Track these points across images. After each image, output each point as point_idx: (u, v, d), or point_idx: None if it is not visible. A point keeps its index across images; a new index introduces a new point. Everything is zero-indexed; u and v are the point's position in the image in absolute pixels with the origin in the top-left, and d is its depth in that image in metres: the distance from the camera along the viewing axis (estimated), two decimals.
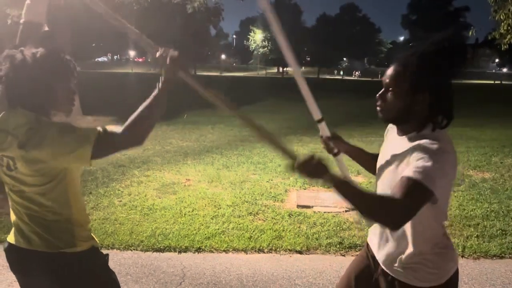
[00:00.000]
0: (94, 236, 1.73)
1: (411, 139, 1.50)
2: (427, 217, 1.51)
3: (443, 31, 1.49)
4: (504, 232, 4.25)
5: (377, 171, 1.72)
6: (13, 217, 1.69)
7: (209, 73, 53.92)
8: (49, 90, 1.55)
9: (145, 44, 1.67)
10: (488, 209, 4.89)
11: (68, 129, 1.50)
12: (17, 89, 1.52)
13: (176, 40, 44.31)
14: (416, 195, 1.32)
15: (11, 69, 1.50)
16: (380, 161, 1.70)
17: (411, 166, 1.38)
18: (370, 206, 1.35)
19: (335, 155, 2.09)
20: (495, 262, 3.71)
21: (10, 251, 1.70)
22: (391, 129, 1.73)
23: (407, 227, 1.55)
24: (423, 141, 1.43)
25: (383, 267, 1.68)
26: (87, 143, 1.48)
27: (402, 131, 1.57)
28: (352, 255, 3.74)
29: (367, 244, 1.86)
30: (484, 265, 3.63)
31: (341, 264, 3.55)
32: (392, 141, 1.63)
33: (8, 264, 1.59)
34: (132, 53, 72.69)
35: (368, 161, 1.97)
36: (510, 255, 3.80)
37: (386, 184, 1.56)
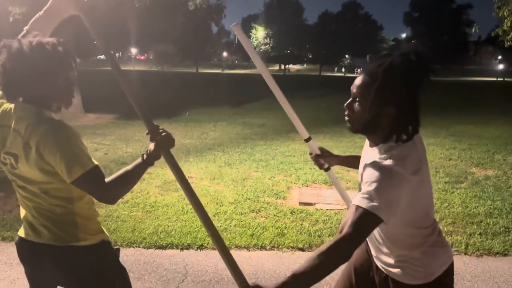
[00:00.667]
0: (104, 230, 1.73)
1: (378, 151, 1.49)
2: (401, 231, 1.53)
3: (410, 43, 1.48)
4: (507, 230, 4.23)
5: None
6: (22, 211, 1.70)
7: (211, 71, 53.92)
8: (47, 79, 1.52)
9: (142, 114, 1.63)
10: (491, 206, 4.87)
11: (71, 140, 1.49)
12: (15, 79, 1.49)
13: (178, 37, 44.32)
14: (363, 224, 1.31)
15: (8, 59, 1.47)
16: (359, 171, 1.69)
17: (361, 192, 1.38)
18: (324, 265, 1.28)
19: (326, 170, 2.14)
20: (498, 259, 3.70)
21: (21, 244, 1.71)
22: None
23: (388, 237, 1.58)
24: (376, 159, 1.43)
25: (377, 264, 1.71)
26: (77, 170, 1.47)
27: (371, 142, 1.57)
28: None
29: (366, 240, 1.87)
30: (487, 262, 3.62)
31: None
32: (365, 152, 1.62)
33: (11, 261, 1.60)
34: (134, 50, 72.69)
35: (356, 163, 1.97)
36: None
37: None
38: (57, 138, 1.46)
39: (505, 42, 8.59)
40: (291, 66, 69.09)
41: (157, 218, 4.31)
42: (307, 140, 2.05)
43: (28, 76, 1.48)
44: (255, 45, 62.61)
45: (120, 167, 6.18)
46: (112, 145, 8.04)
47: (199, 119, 11.81)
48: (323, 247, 1.29)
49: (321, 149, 2.12)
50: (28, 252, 1.70)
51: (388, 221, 1.32)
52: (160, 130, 1.61)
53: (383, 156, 1.43)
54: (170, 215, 4.40)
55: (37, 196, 1.58)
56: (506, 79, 46.91)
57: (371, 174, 1.38)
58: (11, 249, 3.60)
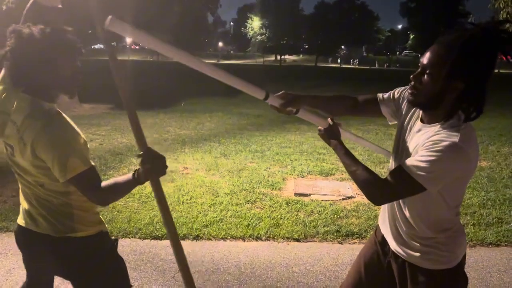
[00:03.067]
0: (103, 221, 1.73)
1: (440, 127, 1.46)
2: (436, 207, 1.53)
3: (491, 19, 1.46)
4: (500, 220, 4.28)
5: (393, 152, 1.72)
6: (22, 199, 1.70)
7: (206, 61, 53.59)
8: (56, 67, 1.50)
9: (138, 137, 1.49)
10: (485, 197, 4.92)
11: (66, 139, 1.47)
12: (23, 65, 1.47)
13: (173, 27, 43.93)
14: (404, 186, 1.44)
15: (17, 45, 1.45)
16: (397, 143, 1.68)
17: (414, 156, 1.42)
18: (360, 175, 1.55)
19: (296, 113, 1.88)
20: (491, 249, 3.75)
21: (19, 232, 1.73)
22: (414, 113, 1.65)
23: (419, 213, 1.56)
24: (439, 134, 1.42)
25: (394, 250, 1.69)
26: (69, 171, 1.46)
27: (427, 118, 1.52)
28: (349, 243, 3.76)
29: (376, 231, 1.88)
30: (480, 252, 3.67)
31: (338, 252, 3.58)
32: (417, 130, 1.57)
33: (6, 251, 1.60)
34: (129, 40, 72.09)
35: (330, 103, 1.89)
36: (506, 243, 3.84)
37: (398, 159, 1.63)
38: (51, 137, 1.44)
39: None
40: (287, 56, 68.79)
41: (153, 208, 4.32)
42: (266, 99, 1.81)
43: (37, 63, 1.46)
44: (250, 36, 62.23)
45: (115, 158, 6.19)
46: (107, 136, 8.01)
47: (194, 110, 11.77)
48: (373, 177, 1.52)
49: (283, 95, 1.84)
50: (26, 241, 1.70)
51: (433, 191, 1.43)
52: (153, 157, 1.43)
53: (449, 131, 1.40)
54: None
55: (34, 186, 1.58)
56: (501, 71, 47.02)
57: (435, 144, 1.38)
58: (6, 239, 3.60)
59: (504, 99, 16.30)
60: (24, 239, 1.71)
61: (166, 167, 1.46)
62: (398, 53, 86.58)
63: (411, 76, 1.50)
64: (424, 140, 1.45)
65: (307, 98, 1.84)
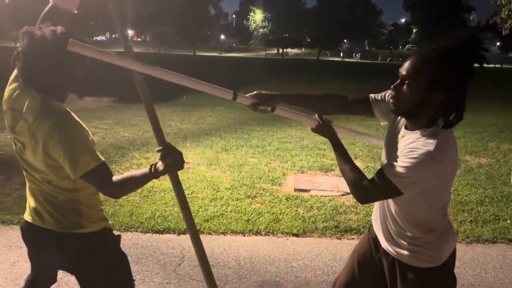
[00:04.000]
0: (106, 217, 1.78)
1: (420, 134, 1.51)
2: (419, 209, 1.58)
3: (467, 28, 1.51)
4: (497, 217, 4.33)
5: (383, 152, 1.78)
6: (28, 195, 1.76)
7: (209, 54, 53.47)
8: (67, 68, 1.55)
9: (157, 133, 1.66)
10: (483, 194, 4.96)
11: (77, 137, 1.52)
12: (35, 66, 1.51)
13: (175, 20, 43.77)
14: (383, 188, 1.52)
15: (30, 46, 1.49)
16: (387, 144, 1.75)
17: (396, 163, 1.48)
18: (348, 175, 1.64)
19: (272, 111, 1.87)
20: (487, 246, 3.80)
21: (26, 228, 1.78)
22: (401, 119, 1.71)
23: (405, 215, 1.62)
24: (417, 142, 1.48)
25: (384, 248, 1.75)
26: (81, 168, 1.51)
27: (411, 126, 1.58)
28: (348, 239, 3.82)
29: (369, 228, 1.94)
30: (476, 249, 3.72)
31: (337, 247, 3.64)
32: (401, 136, 1.63)
33: (10, 244, 1.65)
34: (130, 32, 71.87)
35: (319, 101, 1.93)
36: (502, 240, 3.89)
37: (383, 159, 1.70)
38: (62, 135, 1.49)
39: (503, 30, 8.57)
40: (289, 50, 68.51)
41: (154, 203, 4.38)
42: (235, 98, 1.78)
43: (49, 64, 1.51)
44: (253, 28, 61.97)
45: (117, 152, 6.25)
46: (110, 129, 8.06)
47: (196, 104, 11.81)
48: (359, 177, 1.60)
49: (257, 95, 1.82)
50: (32, 236, 1.76)
51: (408, 196, 1.51)
52: (172, 151, 1.59)
53: (427, 139, 1.46)
54: (167, 200, 4.46)
55: (41, 183, 1.63)
56: (503, 66, 46.79)
57: (411, 151, 1.45)
58: (10, 232, 3.67)
59: (505, 95, 16.29)
60: (30, 234, 1.77)
61: (184, 161, 1.60)
62: (400, 47, 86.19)
63: (391, 86, 1.55)
64: (405, 146, 1.51)
65: (285, 97, 1.85)
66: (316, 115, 1.83)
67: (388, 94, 1.79)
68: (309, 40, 70.39)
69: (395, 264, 1.71)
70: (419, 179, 1.46)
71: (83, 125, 1.60)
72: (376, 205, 1.83)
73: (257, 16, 60.92)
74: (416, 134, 1.53)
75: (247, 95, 1.83)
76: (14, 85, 1.64)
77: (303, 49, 77.08)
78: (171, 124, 8.81)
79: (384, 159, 1.73)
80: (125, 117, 9.40)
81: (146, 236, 3.72)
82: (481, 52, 1.44)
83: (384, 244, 1.75)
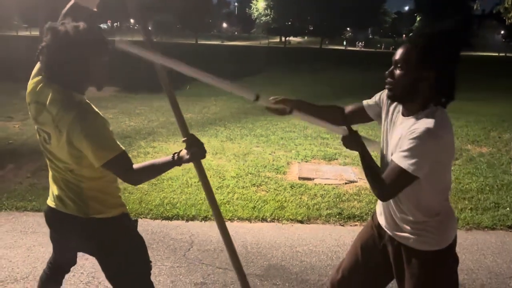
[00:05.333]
0: (124, 203, 1.89)
1: (416, 117, 1.62)
2: (425, 193, 1.67)
3: (449, 20, 1.64)
4: (497, 205, 4.43)
5: (381, 149, 1.86)
6: (51, 182, 1.86)
7: (210, 42, 53.31)
8: (88, 62, 1.64)
9: (181, 124, 1.75)
10: (483, 183, 5.06)
11: (99, 128, 1.62)
12: (58, 60, 1.60)
13: (177, 9, 43.56)
14: (399, 180, 1.59)
15: (53, 41, 1.58)
16: (384, 140, 1.83)
17: (400, 150, 1.58)
18: (371, 179, 1.70)
19: (290, 113, 1.92)
20: (487, 233, 3.91)
21: (49, 213, 1.89)
22: (395, 109, 1.81)
23: (410, 200, 1.71)
24: (417, 123, 1.58)
25: (389, 233, 1.83)
26: (104, 156, 1.61)
27: (407, 111, 1.68)
28: (351, 225, 3.94)
29: (373, 215, 2.02)
30: (476, 236, 3.83)
31: (340, 233, 3.76)
32: (399, 123, 1.72)
33: (26, 230, 1.73)
34: (132, 20, 71.52)
35: (322, 114, 1.97)
36: (502, 227, 4.00)
37: (386, 157, 1.76)
38: (85, 126, 1.59)
39: (506, 20, 8.61)
40: (292, 38, 68.18)
41: (163, 190, 4.50)
42: (257, 100, 1.80)
43: (71, 58, 1.60)
44: (255, 17, 61.62)
45: (124, 141, 6.36)
46: (115, 119, 8.16)
47: (200, 93, 11.86)
48: (378, 179, 1.66)
49: (273, 99, 1.92)
50: (56, 221, 1.87)
51: (421, 176, 1.57)
52: (197, 142, 1.71)
53: (425, 119, 1.57)
54: (175, 187, 4.58)
55: (64, 171, 1.74)
56: (507, 54, 46.53)
57: (413, 133, 1.55)
58: (24, 218, 3.80)
59: (509, 84, 16.27)
60: (54, 219, 1.88)
61: (206, 151, 1.72)
62: (404, 35, 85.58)
63: (386, 72, 1.67)
64: (405, 130, 1.61)
65: (304, 104, 1.97)
66: (345, 127, 1.85)
67: (378, 95, 1.94)
68: (311, 28, 69.96)
69: (400, 249, 1.79)
70: (425, 156, 1.55)
71: (102, 116, 1.70)
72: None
73: (260, 4, 60.50)
74: (414, 118, 1.64)
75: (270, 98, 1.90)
76: (37, 78, 1.74)
77: (306, 37, 76.62)
78: None
79: (387, 153, 1.79)
80: (129, 107, 9.49)
81: (155, 223, 3.84)
82: (464, 37, 1.57)
83: (388, 230, 1.83)
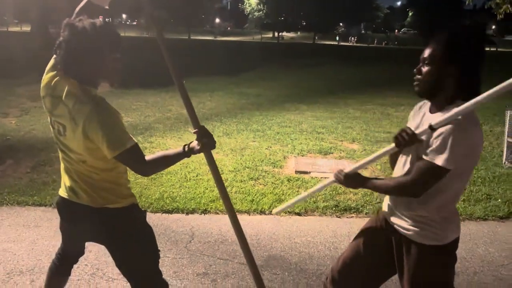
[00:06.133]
0: (133, 194, 1.96)
1: (441, 114, 1.67)
2: (444, 191, 1.71)
3: (470, 21, 1.73)
4: (489, 197, 4.55)
5: (412, 153, 1.83)
6: (63, 174, 1.92)
7: (203, 38, 53.10)
8: (103, 57, 1.70)
9: (192, 116, 1.85)
10: (476, 175, 5.18)
11: (113, 121, 1.68)
12: (75, 55, 1.66)
13: (169, 3, 43.27)
14: (431, 175, 1.64)
15: (71, 36, 1.64)
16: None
17: (431, 146, 1.63)
18: (397, 191, 1.76)
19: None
20: (479, 223, 4.03)
21: (62, 203, 1.95)
22: (421, 108, 1.88)
23: (426, 197, 1.73)
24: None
25: (395, 227, 1.88)
26: (117, 148, 1.67)
27: (434, 107, 1.75)
28: (347, 217, 4.03)
29: (378, 211, 2.08)
30: (469, 226, 3.95)
31: (337, 225, 3.85)
32: (425, 120, 1.77)
33: (28, 224, 1.77)
34: (124, 15, 71.02)
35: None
36: (493, 218, 4.12)
37: (411, 157, 1.78)
38: (101, 118, 1.65)
39: (498, 15, 8.73)
40: (285, 34, 68.09)
41: (162, 185, 4.56)
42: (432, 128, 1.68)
43: (88, 53, 1.66)
44: (248, 12, 61.44)
45: None
46: None
47: (195, 89, 11.89)
48: (399, 182, 1.73)
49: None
50: (68, 211, 1.93)
51: (452, 168, 1.61)
52: (207, 133, 1.79)
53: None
54: (174, 182, 4.64)
55: (77, 163, 1.80)
56: (499, 49, 46.93)
57: (442, 128, 1.60)
58: (26, 213, 3.85)
59: (500, 78, 16.44)
60: (66, 209, 1.94)
61: (215, 142, 1.81)
62: (396, 30, 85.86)
63: (414, 70, 1.76)
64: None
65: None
66: (333, 176, 1.93)
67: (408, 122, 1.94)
68: (304, 24, 69.94)
69: (402, 241, 1.85)
70: (456, 149, 1.59)
71: (116, 110, 1.76)
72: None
73: None
74: (441, 113, 1.68)
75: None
76: (52, 73, 1.79)
77: (298, 32, 76.59)
78: (171, 109, 8.93)
79: (411, 151, 1.79)
80: (125, 102, 9.50)
81: (156, 216, 3.90)
82: (488, 35, 1.67)
83: (392, 221, 1.88)
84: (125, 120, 7.75)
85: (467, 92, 1.66)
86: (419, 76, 1.74)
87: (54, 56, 1.77)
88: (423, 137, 1.69)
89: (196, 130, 1.80)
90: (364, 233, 2.07)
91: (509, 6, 8.17)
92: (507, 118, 5.74)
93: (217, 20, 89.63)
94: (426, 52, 1.71)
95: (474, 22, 1.70)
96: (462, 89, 1.68)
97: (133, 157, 1.73)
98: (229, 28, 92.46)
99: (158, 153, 1.86)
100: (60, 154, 1.86)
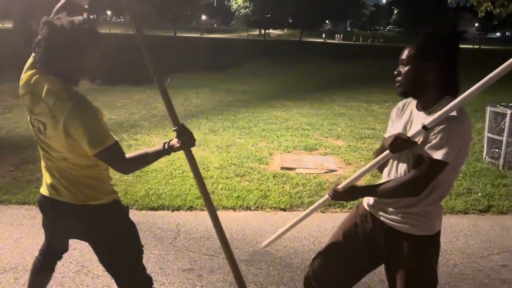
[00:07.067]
0: (115, 190, 1.97)
1: (432, 113, 1.70)
2: (442, 184, 1.75)
3: (439, 22, 1.77)
4: (469, 191, 4.66)
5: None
6: (44, 172, 1.91)
7: (189, 34, 52.81)
8: (83, 55, 1.71)
9: (172, 114, 1.86)
10: None
11: (94, 119, 1.69)
12: (55, 53, 1.66)
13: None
14: (433, 170, 1.68)
15: (50, 34, 1.64)
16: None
17: (430, 143, 1.67)
18: (398, 192, 1.78)
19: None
20: (460, 217, 4.12)
21: (43, 201, 1.95)
22: (405, 106, 1.92)
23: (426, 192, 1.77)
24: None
25: (381, 218, 1.90)
26: (98, 145, 1.68)
27: (422, 104, 1.79)
28: (332, 212, 4.09)
29: (358, 206, 2.11)
30: (450, 219, 4.03)
31: (322, 220, 3.90)
32: (417, 118, 1.80)
33: (11, 222, 1.77)
34: (109, 12, 70.22)
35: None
36: (473, 211, 4.22)
37: (405, 157, 1.80)
38: (82, 116, 1.66)
39: (479, 13, 8.88)
40: (271, 31, 68.16)
41: (147, 182, 4.56)
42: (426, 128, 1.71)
43: (67, 51, 1.67)
44: (234, 9, 61.27)
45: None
46: None
47: (181, 85, 11.85)
48: (400, 182, 1.75)
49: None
50: (50, 208, 1.93)
51: (452, 161, 1.66)
52: (187, 131, 1.81)
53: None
54: (159, 179, 4.64)
55: (58, 161, 1.80)
56: (481, 47, 47.73)
57: (444, 125, 1.63)
58: (10, 211, 3.81)
59: (482, 75, 16.72)
60: (48, 206, 1.94)
61: (195, 140, 1.83)
62: (382, 28, 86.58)
63: (394, 72, 1.80)
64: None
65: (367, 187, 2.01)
66: (328, 193, 1.95)
67: (390, 119, 2.00)
68: (291, 21, 70.04)
69: (392, 234, 1.86)
70: (454, 142, 1.64)
71: (97, 108, 1.76)
72: (382, 180, 1.95)
73: None
74: (432, 109, 1.73)
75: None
76: (31, 71, 1.79)
77: (285, 30, 76.71)
78: (157, 106, 8.89)
79: (409, 152, 1.79)
80: (110, 99, 9.44)
81: (141, 213, 3.90)
82: (458, 31, 1.72)
83: (382, 216, 1.90)
84: (110, 117, 7.73)
85: (452, 88, 1.73)
86: (399, 78, 1.79)
87: (33, 54, 1.77)
88: (417, 138, 1.73)
89: (176, 128, 1.82)
90: (343, 228, 2.10)
91: (489, 4, 8.33)
92: (488, 114, 5.86)
93: (204, 17, 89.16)
94: (404, 54, 1.77)
95: (446, 21, 1.74)
96: (446, 86, 1.73)
97: (113, 155, 1.74)
98: (215, 25, 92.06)
99: (139, 151, 1.87)
100: (41, 152, 1.86)
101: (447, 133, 1.63)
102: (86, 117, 1.67)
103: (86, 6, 2.00)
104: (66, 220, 1.91)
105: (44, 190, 1.93)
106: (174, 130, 1.82)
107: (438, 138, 1.65)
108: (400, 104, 1.96)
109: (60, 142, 1.72)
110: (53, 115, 1.67)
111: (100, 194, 1.88)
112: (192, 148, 1.88)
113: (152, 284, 2.09)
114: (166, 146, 1.82)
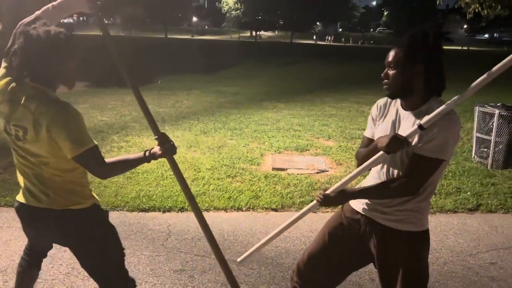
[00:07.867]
0: (95, 195, 1.97)
1: (420, 113, 1.74)
2: (434, 180, 1.80)
3: (425, 23, 1.79)
4: (459, 190, 4.71)
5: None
6: (21, 178, 1.89)
7: (180, 36, 52.65)
8: (59, 65, 1.73)
9: (150, 122, 1.91)
10: (447, 169, 5.34)
11: (77, 122, 1.71)
12: (31, 62, 1.67)
13: (146, 1, 42.80)
14: (429, 168, 1.72)
15: (26, 44, 1.65)
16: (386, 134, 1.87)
17: (425, 142, 1.69)
18: (393, 192, 1.79)
19: None
20: (449, 216, 4.16)
21: (21, 209, 1.93)
22: (387, 105, 1.92)
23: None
24: (434, 110, 1.69)
25: (374, 218, 1.90)
26: (79, 147, 1.69)
27: (409, 105, 1.81)
28: (323, 212, 4.11)
29: (343, 207, 2.10)
30: (439, 218, 4.08)
31: (313, 220, 3.91)
32: (404, 118, 1.81)
33: (0, 225, 1.76)
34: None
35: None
36: (463, 210, 4.27)
37: (398, 156, 1.80)
38: (64, 121, 1.68)
39: (467, 14, 8.98)
40: (262, 33, 68.22)
41: (138, 183, 4.54)
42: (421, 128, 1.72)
43: (43, 60, 1.68)
44: (225, 11, 61.28)
45: (97, 136, 6.33)
46: (86, 114, 8.05)
47: (172, 87, 11.84)
48: (397, 182, 1.76)
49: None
50: (28, 216, 1.92)
51: (447, 158, 1.71)
52: (168, 139, 1.85)
53: (438, 106, 1.68)
54: (150, 180, 4.63)
55: (37, 166, 1.79)
56: (470, 48, 48.25)
57: (439, 124, 1.66)
58: None
59: (470, 76, 16.90)
60: (26, 214, 1.92)
61: (176, 148, 1.88)
62: (372, 30, 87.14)
63: (382, 74, 1.82)
64: (418, 122, 1.71)
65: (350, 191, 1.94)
66: (316, 199, 1.92)
67: (370, 116, 2.01)
68: (282, 23, 70.20)
69: (386, 233, 1.87)
70: (449, 140, 1.68)
71: (78, 112, 1.77)
72: (366, 183, 1.97)
73: None
74: (419, 112, 1.75)
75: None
76: (6, 79, 1.78)
77: (276, 31, 76.87)
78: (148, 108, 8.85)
79: (402, 152, 1.78)
80: (100, 101, 9.38)
81: (132, 215, 3.89)
82: (443, 33, 1.75)
83: (373, 214, 1.90)
84: (101, 119, 7.69)
85: (439, 88, 1.76)
86: (387, 80, 1.81)
87: (5, 63, 1.79)
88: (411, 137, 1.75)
89: (157, 137, 1.85)
90: (328, 228, 2.11)
91: (477, 5, 8.43)
92: (476, 114, 5.93)
93: (195, 19, 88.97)
94: (390, 56, 1.79)
95: (430, 23, 1.77)
96: (433, 87, 1.76)
97: (93, 158, 1.75)
98: (206, 27, 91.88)
99: (119, 156, 1.90)
100: (17, 160, 1.84)
101: (443, 131, 1.67)
102: (68, 120, 1.69)
103: (100, 13, 2.03)
104: (45, 226, 1.89)
105: (20, 198, 1.91)
106: (155, 139, 1.86)
107: (434, 137, 1.67)
108: (381, 102, 1.96)
109: (43, 146, 1.72)
110: (35, 119, 1.67)
111: (81, 199, 1.88)
112: (183, 149, 1.89)
113: (135, 286, 2.09)
114: (147, 154, 1.85)
